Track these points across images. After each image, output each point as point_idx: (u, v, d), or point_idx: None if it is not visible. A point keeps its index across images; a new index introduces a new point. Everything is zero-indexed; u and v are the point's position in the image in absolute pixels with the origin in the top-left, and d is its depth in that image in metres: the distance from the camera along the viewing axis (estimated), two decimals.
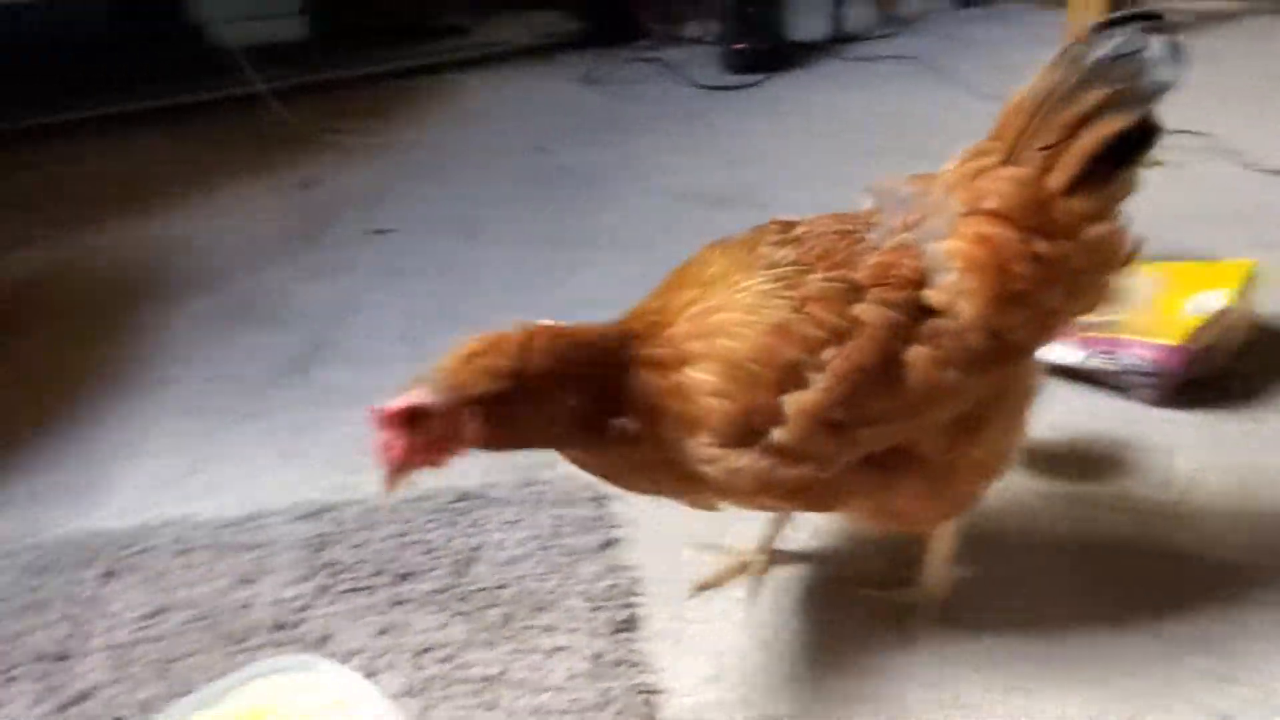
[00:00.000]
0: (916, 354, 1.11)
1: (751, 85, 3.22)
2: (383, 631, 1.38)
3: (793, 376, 1.10)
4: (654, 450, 1.14)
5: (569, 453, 1.19)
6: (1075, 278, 1.16)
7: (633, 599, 1.41)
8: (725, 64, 3.38)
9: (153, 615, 1.43)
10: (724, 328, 1.12)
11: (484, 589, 1.43)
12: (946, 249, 1.14)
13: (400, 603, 1.42)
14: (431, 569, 1.47)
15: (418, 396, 1.04)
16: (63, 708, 1.30)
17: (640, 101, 3.17)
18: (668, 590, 1.42)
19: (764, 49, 3.34)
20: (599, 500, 1.57)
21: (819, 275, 1.14)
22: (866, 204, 1.25)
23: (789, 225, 1.23)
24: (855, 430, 1.12)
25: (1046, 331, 1.19)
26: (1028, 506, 1.50)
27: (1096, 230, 1.16)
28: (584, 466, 1.20)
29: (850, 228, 1.20)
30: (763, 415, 1.10)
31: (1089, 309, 1.21)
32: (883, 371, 1.11)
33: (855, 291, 1.12)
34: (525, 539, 1.51)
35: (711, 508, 1.25)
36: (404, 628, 1.38)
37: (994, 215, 1.14)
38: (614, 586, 1.42)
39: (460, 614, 1.39)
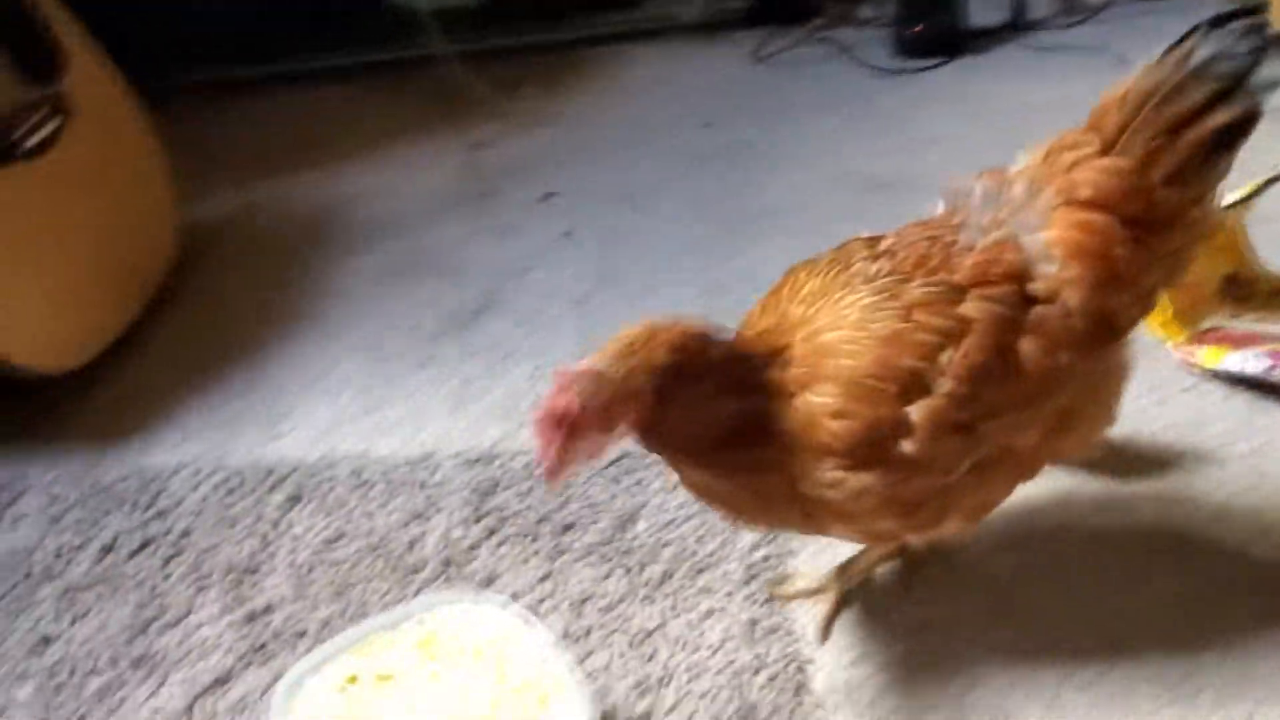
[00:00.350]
0: (1028, 343, 1.12)
1: (926, 70, 3.16)
2: (545, 578, 1.43)
3: (914, 385, 1.10)
4: (780, 480, 1.15)
5: (691, 479, 1.20)
6: (1174, 256, 1.18)
7: (787, 568, 1.42)
8: (899, 47, 3.31)
9: (332, 541, 1.51)
10: (835, 347, 1.13)
11: (644, 546, 1.47)
12: (1046, 239, 1.14)
13: (563, 552, 1.47)
14: (594, 522, 1.51)
15: (576, 391, 1.03)
16: (250, 618, 1.40)
17: (810, 82, 3.14)
18: (819, 561, 1.43)
19: (941, 33, 3.26)
20: None
21: (918, 282, 1.14)
22: (939, 208, 1.24)
23: (875, 240, 1.23)
24: (979, 427, 1.12)
25: (1147, 309, 1.20)
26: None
27: (1195, 213, 1.16)
28: (706, 496, 1.21)
29: (938, 233, 1.19)
30: (889, 429, 1.11)
31: (1180, 278, 1.23)
32: (1000, 364, 1.11)
33: (958, 292, 1.13)
34: (685, 502, 1.53)
35: (822, 533, 1.26)
36: (566, 576, 1.43)
37: (1092, 204, 1.13)
38: (769, 558, 1.44)
39: (621, 567, 1.43)
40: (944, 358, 1.11)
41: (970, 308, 1.12)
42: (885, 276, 1.17)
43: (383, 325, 2.07)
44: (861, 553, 1.40)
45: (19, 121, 1.81)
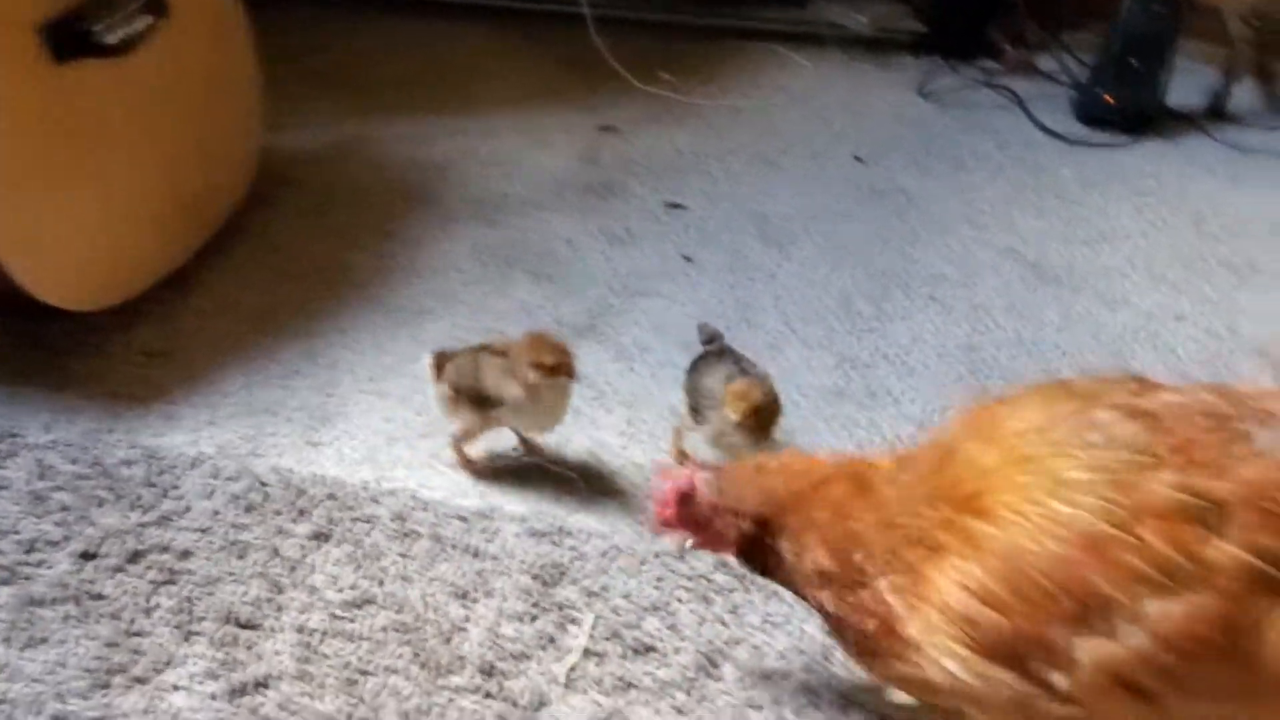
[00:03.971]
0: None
1: (1110, 146, 2.81)
2: (606, 719, 1.14)
3: (1096, 615, 0.82)
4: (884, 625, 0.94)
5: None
6: None
7: None
8: (1081, 112, 2.96)
9: (357, 605, 1.23)
10: (1012, 517, 0.86)
11: (731, 704, 1.17)
12: None
13: (632, 686, 1.18)
14: (676, 652, 1.22)
15: (694, 483, 1.05)
16: (237, 692, 1.12)
17: (978, 132, 2.80)
18: None
19: (1133, 107, 2.90)
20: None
21: (1168, 478, 0.83)
22: (1260, 372, 0.95)
23: (1148, 387, 0.94)
24: (1167, 701, 0.83)
25: None
26: None
27: None
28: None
29: (1231, 411, 0.88)
30: (1042, 650, 0.84)
31: None
32: (1230, 642, 0.80)
33: (1216, 515, 0.81)
34: (788, 651, 1.24)
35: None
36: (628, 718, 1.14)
37: None
38: None
39: None
40: (1150, 606, 0.81)
41: (1221, 551, 0.80)
42: (1127, 449, 0.86)
43: (465, 325, 1.78)
44: None
45: (102, 11, 1.53)
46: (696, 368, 1.50)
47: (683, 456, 1.48)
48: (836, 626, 1.01)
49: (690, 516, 1.05)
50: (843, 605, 0.97)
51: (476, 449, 1.48)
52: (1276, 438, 0.86)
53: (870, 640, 0.96)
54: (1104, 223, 2.38)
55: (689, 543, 1.10)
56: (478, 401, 1.40)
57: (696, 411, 1.45)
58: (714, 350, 1.52)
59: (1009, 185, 2.50)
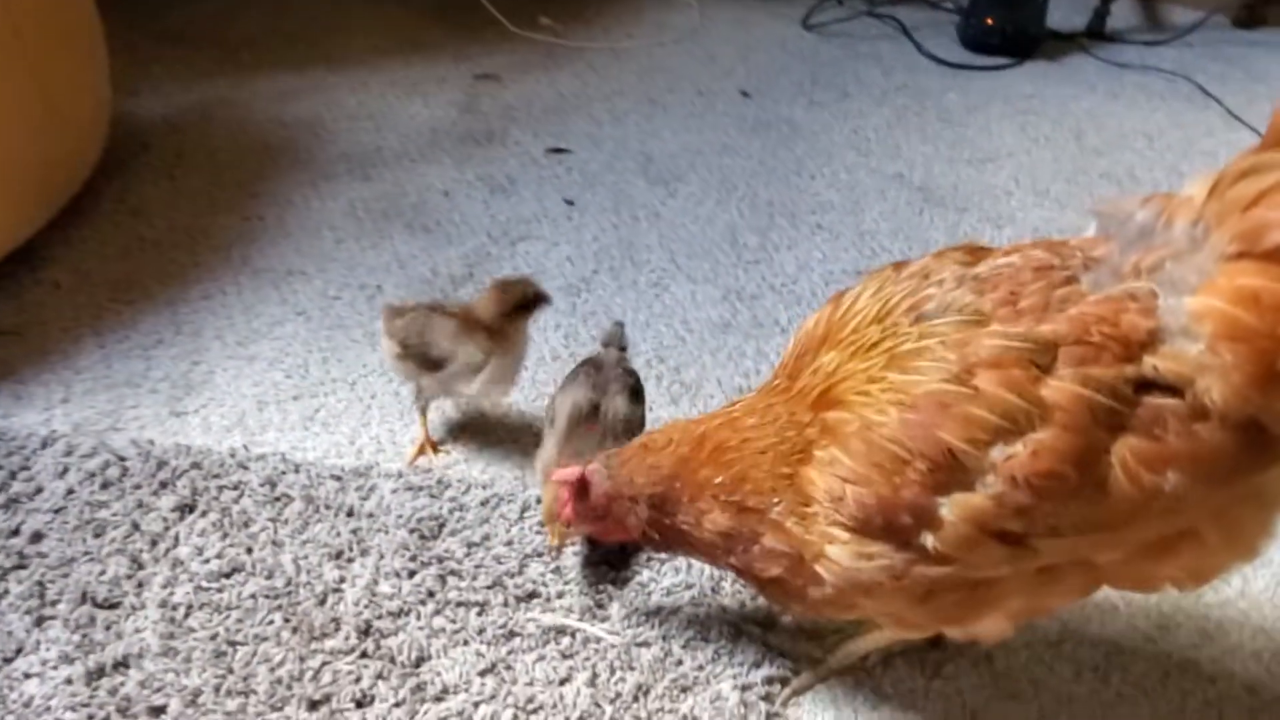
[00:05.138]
0: (1129, 450, 0.82)
1: (995, 69, 2.81)
2: (489, 670, 1.11)
3: (952, 471, 0.84)
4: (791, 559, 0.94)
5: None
6: None
7: (793, 702, 1.12)
8: (966, 38, 2.96)
9: (225, 575, 1.18)
10: (869, 396, 0.88)
11: (618, 643, 1.15)
12: (1193, 308, 0.82)
13: (515, 634, 1.15)
14: (560, 595, 1.19)
15: (586, 476, 1.04)
16: (94, 674, 1.06)
17: (864, 61, 2.79)
18: (834, 694, 1.13)
19: (1015, 31, 2.91)
20: None
21: (996, 329, 0.85)
22: (1090, 229, 0.95)
23: (979, 253, 0.95)
24: (1034, 542, 0.85)
25: None
26: None
27: None
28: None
29: (1057, 262, 0.90)
30: (911, 514, 0.85)
31: None
32: (1078, 475, 0.82)
33: (1045, 355, 0.83)
34: (676, 586, 1.21)
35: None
36: (514, 671, 1.11)
37: (1275, 258, 0.80)
38: (774, 680, 1.12)
39: (585, 669, 1.11)
40: (997, 451, 0.83)
41: (1056, 389, 0.82)
42: (953, 314, 0.88)
43: (339, 282, 1.71)
44: (869, 634, 1.14)
45: None
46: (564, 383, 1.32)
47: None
48: (754, 582, 1.00)
49: (588, 511, 1.04)
50: (751, 562, 0.96)
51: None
52: (1098, 278, 0.87)
53: (786, 583, 0.96)
54: (988, 143, 2.38)
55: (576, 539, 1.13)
56: (425, 363, 1.33)
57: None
58: (590, 363, 1.33)
59: (894, 112, 2.49)
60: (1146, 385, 0.82)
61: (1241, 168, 0.83)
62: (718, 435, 0.99)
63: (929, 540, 0.86)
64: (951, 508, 0.84)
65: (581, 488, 1.04)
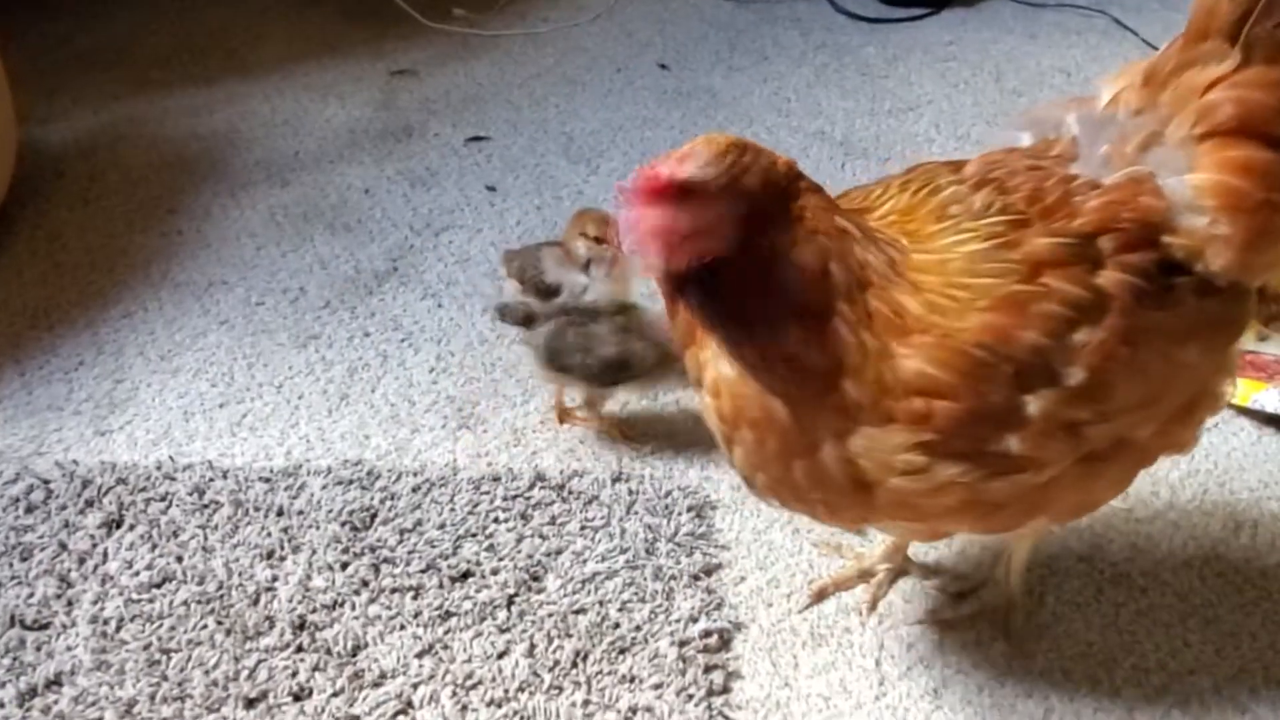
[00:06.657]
0: (1158, 328, 0.88)
1: (913, 20, 2.83)
2: (426, 651, 1.11)
3: (1037, 368, 0.85)
4: (834, 420, 0.86)
5: (725, 387, 0.90)
6: None
7: (732, 652, 1.13)
8: None
9: (155, 585, 1.18)
10: (935, 296, 0.86)
11: (554, 612, 1.15)
12: (1195, 184, 0.89)
13: (451, 614, 1.15)
14: (494, 573, 1.20)
15: (694, 170, 0.80)
16: (27, 695, 1.06)
17: (782, 24, 2.79)
18: (773, 640, 1.14)
19: None
20: (700, 511, 1.28)
21: (1040, 229, 0.88)
22: (1022, 139, 0.99)
23: (955, 165, 0.97)
24: (1090, 429, 0.89)
25: None
26: None
27: None
28: (731, 416, 0.91)
29: (1044, 163, 0.93)
30: (998, 419, 0.85)
31: None
32: (1131, 355, 0.87)
33: (1091, 248, 0.88)
34: (610, 552, 1.22)
35: (861, 531, 1.10)
36: (452, 650, 1.11)
37: (1242, 132, 0.88)
38: (711, 633, 1.14)
39: (522, 642, 1.12)
40: (1077, 337, 0.86)
41: (1108, 279, 0.87)
42: (995, 214, 0.89)
43: (261, 289, 1.70)
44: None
45: None
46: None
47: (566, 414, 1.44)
48: (765, 409, 0.88)
49: (688, 219, 0.80)
50: (801, 336, 0.84)
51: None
52: (1089, 169, 0.91)
53: (811, 428, 0.87)
54: (908, 93, 2.40)
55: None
56: (542, 291, 1.38)
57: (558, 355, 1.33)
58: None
59: (813, 71, 2.50)
60: (1171, 267, 0.89)
61: (1180, 60, 0.91)
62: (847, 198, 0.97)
63: (1013, 443, 0.86)
64: (1038, 404, 0.85)
65: (689, 183, 0.81)
